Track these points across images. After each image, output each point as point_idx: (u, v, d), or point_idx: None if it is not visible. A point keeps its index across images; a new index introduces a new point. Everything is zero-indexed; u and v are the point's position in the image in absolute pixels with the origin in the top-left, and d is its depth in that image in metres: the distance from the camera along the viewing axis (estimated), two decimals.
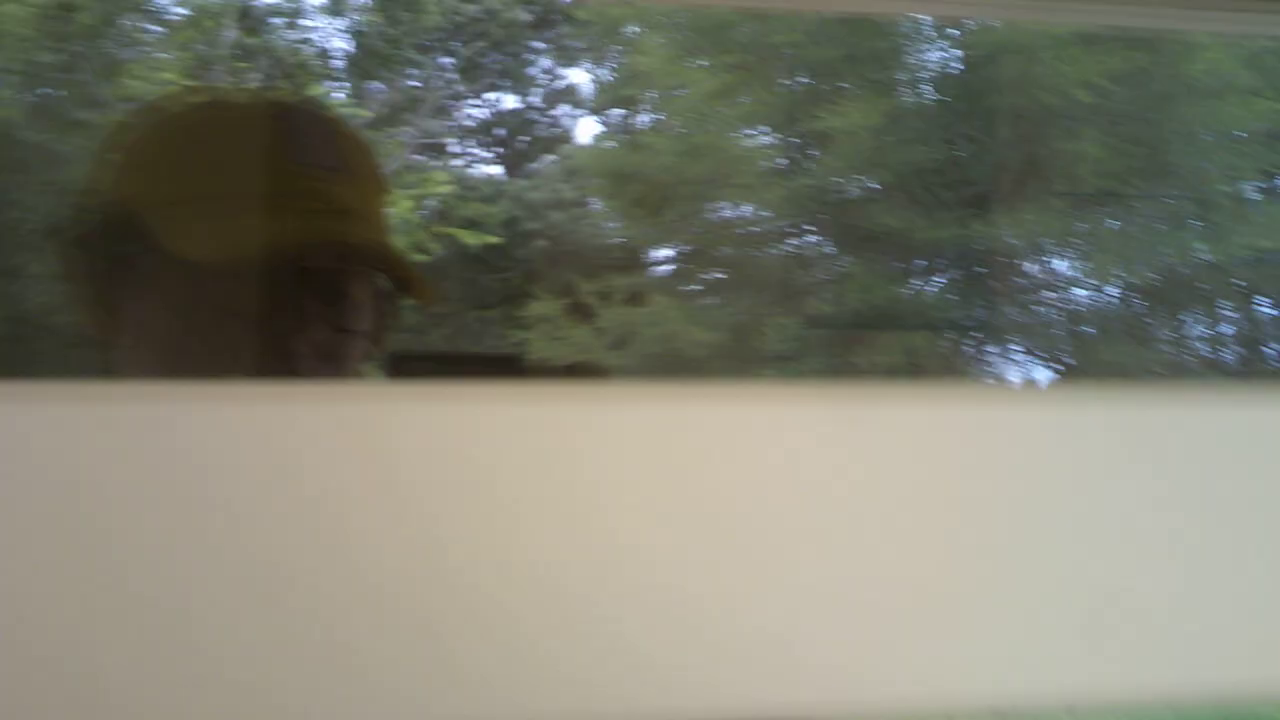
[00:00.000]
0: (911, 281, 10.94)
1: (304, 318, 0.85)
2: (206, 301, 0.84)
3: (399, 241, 0.97)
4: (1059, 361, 10.02)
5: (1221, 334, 10.00)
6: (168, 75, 10.64)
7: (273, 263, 0.83)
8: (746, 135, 11.96)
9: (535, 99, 13.21)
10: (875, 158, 10.89)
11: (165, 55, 11.25)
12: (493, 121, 13.03)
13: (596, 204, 12.39)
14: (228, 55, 11.30)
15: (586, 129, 14.18)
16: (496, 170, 12.92)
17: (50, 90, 10.52)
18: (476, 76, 12.81)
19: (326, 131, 0.90)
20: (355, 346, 0.89)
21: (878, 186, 11.09)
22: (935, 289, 10.90)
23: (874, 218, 10.44)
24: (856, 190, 11.28)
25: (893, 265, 10.89)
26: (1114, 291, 10.26)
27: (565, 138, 13.09)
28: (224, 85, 10.00)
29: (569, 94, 13.23)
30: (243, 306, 0.83)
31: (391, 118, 12.32)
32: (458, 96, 12.84)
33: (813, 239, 11.44)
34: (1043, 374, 10.00)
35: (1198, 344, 10.10)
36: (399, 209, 10.80)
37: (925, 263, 11.05)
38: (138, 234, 0.84)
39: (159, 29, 11.56)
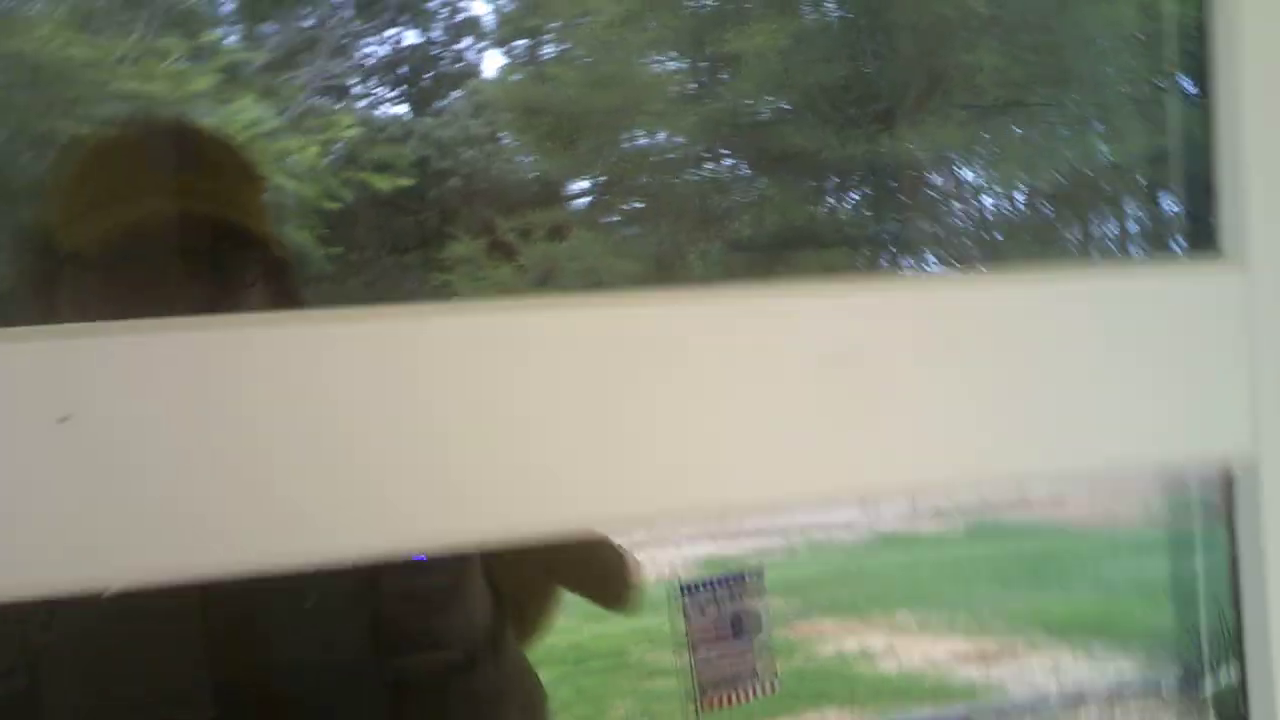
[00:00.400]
0: (826, 199, 11.11)
1: (188, 285, 0.98)
2: (119, 282, 0.99)
3: (268, 219, 1.08)
4: (972, 268, 10.32)
5: (1128, 232, 10.39)
6: (42, 30, 10.19)
7: (155, 246, 0.98)
8: (654, 62, 11.90)
9: (437, 33, 12.94)
10: (784, 78, 10.96)
11: (36, 9, 10.74)
12: (395, 59, 12.73)
13: (508, 139, 12.26)
14: (107, 7, 10.84)
15: (492, 62, 13.95)
16: (403, 110, 12.67)
17: None
18: (374, 13, 12.47)
19: (190, 141, 1.10)
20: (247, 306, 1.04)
21: (788, 107, 11.18)
22: (850, 205, 11.10)
23: (786, 138, 10.54)
24: (767, 112, 11.35)
25: (807, 184, 11.03)
26: (1021, 198, 10.57)
27: (471, 72, 12.86)
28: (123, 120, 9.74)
29: (471, 27, 12.98)
30: (142, 284, 0.98)
31: (288, 60, 11.95)
32: (356, 35, 12.50)
33: (728, 163, 11.51)
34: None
35: (1107, 244, 10.48)
36: (304, 156, 10.55)
37: (838, 180, 11.21)
38: (54, 248, 1.02)
39: None
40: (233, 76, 10.98)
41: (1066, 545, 7.30)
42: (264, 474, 0.41)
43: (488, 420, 0.44)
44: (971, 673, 5.30)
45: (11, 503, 0.39)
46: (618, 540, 1.20)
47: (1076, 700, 4.88)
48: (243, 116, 10.76)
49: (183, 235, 0.98)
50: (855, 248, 10.53)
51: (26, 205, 9.71)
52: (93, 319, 0.97)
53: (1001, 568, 7.02)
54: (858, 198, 11.09)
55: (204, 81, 10.62)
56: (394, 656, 1.00)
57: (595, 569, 1.18)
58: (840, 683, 5.19)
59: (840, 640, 5.80)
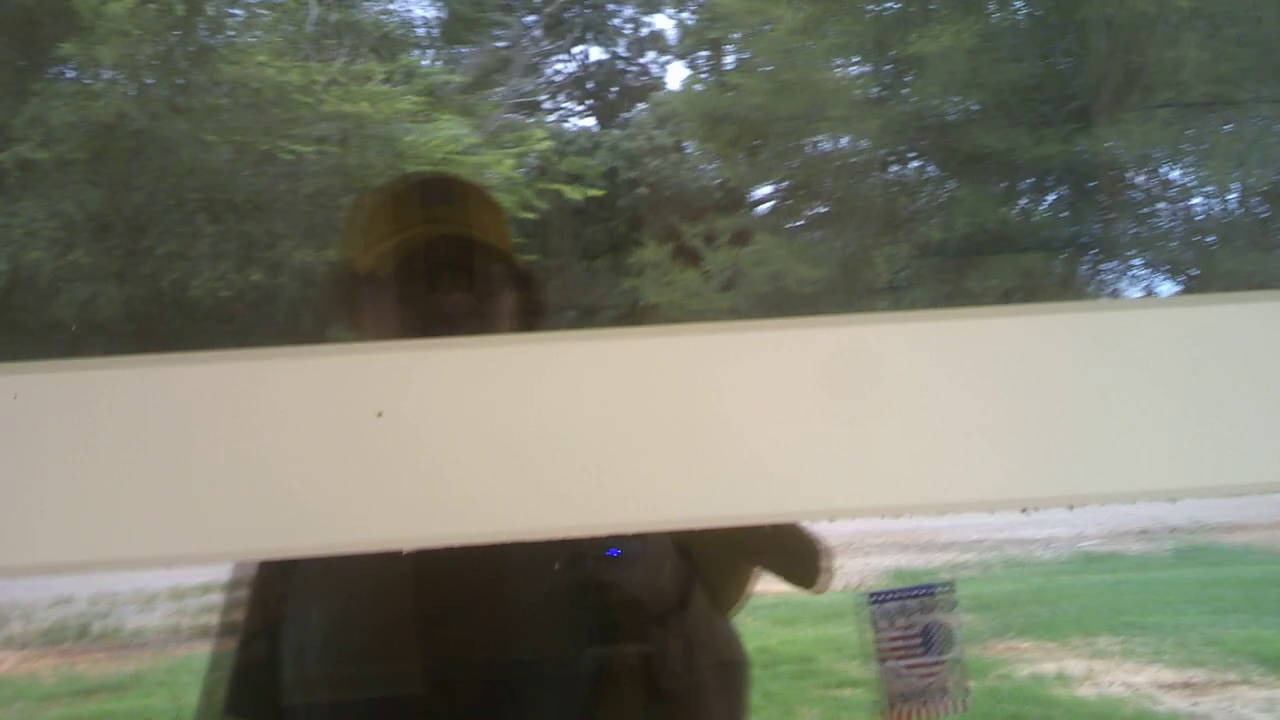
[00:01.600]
0: (1020, 201, 10.77)
1: (443, 293, 1.24)
2: (402, 289, 1.25)
3: (509, 239, 1.30)
4: (1182, 273, 9.83)
5: None
6: (260, 58, 10.92)
7: (418, 265, 1.23)
8: (837, 67, 11.80)
9: (621, 49, 13.22)
10: (972, 78, 10.68)
11: (253, 38, 11.50)
12: (582, 75, 13.08)
13: (692, 148, 12.40)
14: (313, 34, 11.50)
15: (675, 74, 14.14)
16: (590, 123, 12.99)
17: (153, 80, 10.85)
18: (562, 32, 12.84)
19: (444, 181, 1.36)
20: (492, 319, 1.26)
21: (977, 107, 10.89)
22: (1045, 207, 10.72)
23: (976, 139, 10.27)
24: (955, 113, 11.09)
25: (999, 186, 10.72)
26: (1233, 198, 9.98)
27: (655, 85, 13.08)
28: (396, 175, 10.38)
29: (654, 41, 13.20)
30: (418, 291, 1.24)
31: (483, 80, 12.44)
32: (545, 54, 12.91)
33: (914, 165, 11.32)
34: (1166, 287, 9.81)
35: None
36: (500, 169, 10.97)
37: (1033, 181, 10.85)
38: (354, 271, 1.30)
39: (243, 14, 11.80)
40: (432, 96, 11.52)
41: None
42: (520, 458, 0.53)
43: (718, 420, 0.55)
44: (1176, 703, 5.08)
45: (341, 478, 0.52)
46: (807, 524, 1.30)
47: None
48: (443, 134, 11.27)
49: (444, 251, 1.23)
50: (1053, 251, 10.18)
51: (249, 219, 10.51)
52: (383, 320, 1.25)
53: (1213, 593, 6.66)
54: (1054, 199, 10.70)
55: (406, 102, 11.18)
56: (590, 610, 1.12)
57: (789, 548, 1.27)
58: (1035, 706, 5.05)
59: (1037, 662, 5.65)
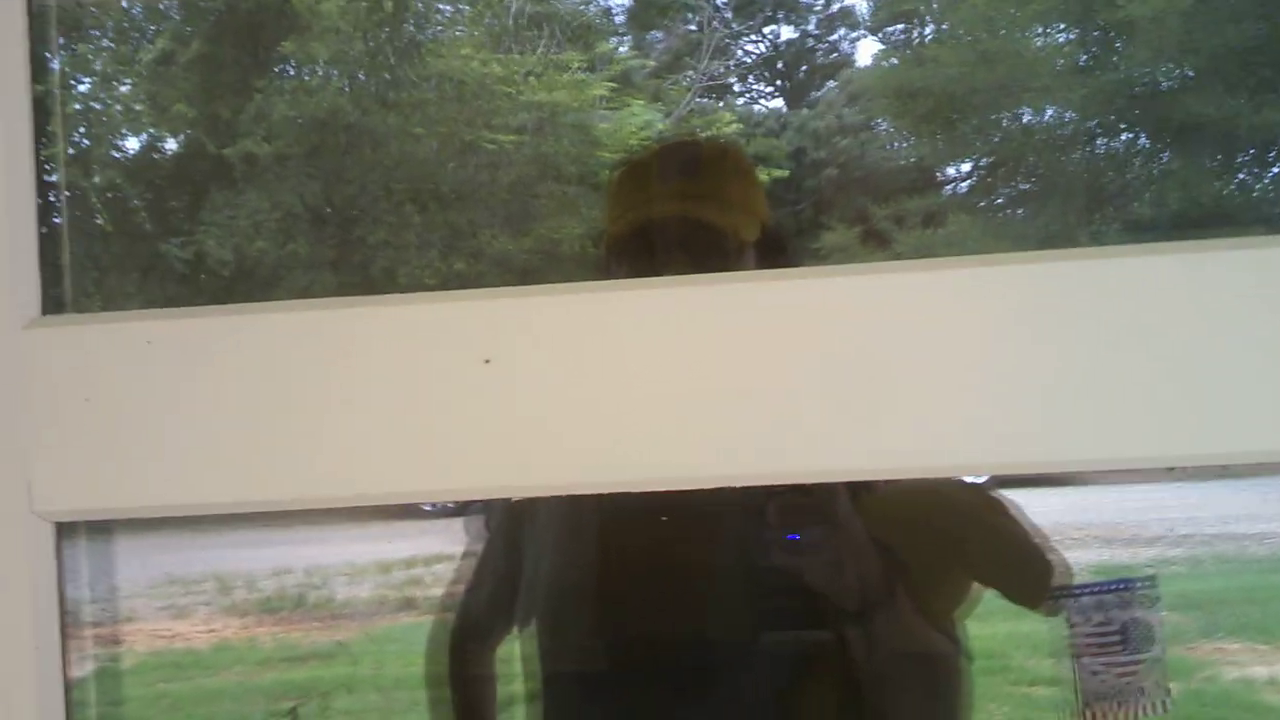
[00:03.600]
0: (1239, 174, 10.08)
1: (676, 266, 1.23)
2: (633, 265, 1.26)
3: (751, 205, 1.25)
4: None
5: None
6: (464, 50, 11.35)
7: (648, 238, 1.24)
8: (1040, 34, 11.30)
9: (811, 26, 13.07)
10: (1186, 42, 10.03)
11: (458, 32, 11.95)
12: (771, 55, 13.01)
13: (883, 125, 12.14)
14: (515, 26, 11.85)
15: (866, 50, 13.88)
16: (779, 104, 12.92)
17: (364, 75, 11.46)
18: (751, 12, 12.80)
19: (685, 152, 1.37)
20: None
21: (1191, 74, 10.22)
22: (1268, 181, 9.99)
23: (1190, 108, 9.65)
24: (1168, 81, 10.44)
25: (1216, 158, 10.05)
26: None
27: (845, 62, 12.88)
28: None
29: (845, 17, 12.99)
30: (646, 267, 1.23)
31: (674, 64, 12.54)
32: (735, 35, 12.90)
33: (1124, 138, 10.74)
34: None
35: None
36: None
37: (1253, 153, 10.13)
38: (612, 244, 1.29)
39: (449, 8, 12.28)
40: (625, 82, 11.70)
41: None
42: (627, 410, 0.52)
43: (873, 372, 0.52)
44: None
45: (448, 423, 0.53)
46: (1043, 536, 1.24)
47: None
48: (635, 120, 11.46)
49: (670, 234, 1.23)
50: (1275, 228, 9.48)
51: (453, 209, 10.99)
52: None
53: None
54: (1277, 172, 9.96)
55: (601, 88, 11.43)
56: (788, 603, 1.14)
57: (1013, 562, 1.23)
58: (1242, 712, 4.79)
59: (1246, 665, 5.34)
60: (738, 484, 0.53)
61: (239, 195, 10.31)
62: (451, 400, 0.53)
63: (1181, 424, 0.51)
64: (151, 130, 11.30)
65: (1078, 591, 1.36)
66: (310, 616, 7.11)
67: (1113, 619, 1.39)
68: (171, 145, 11.53)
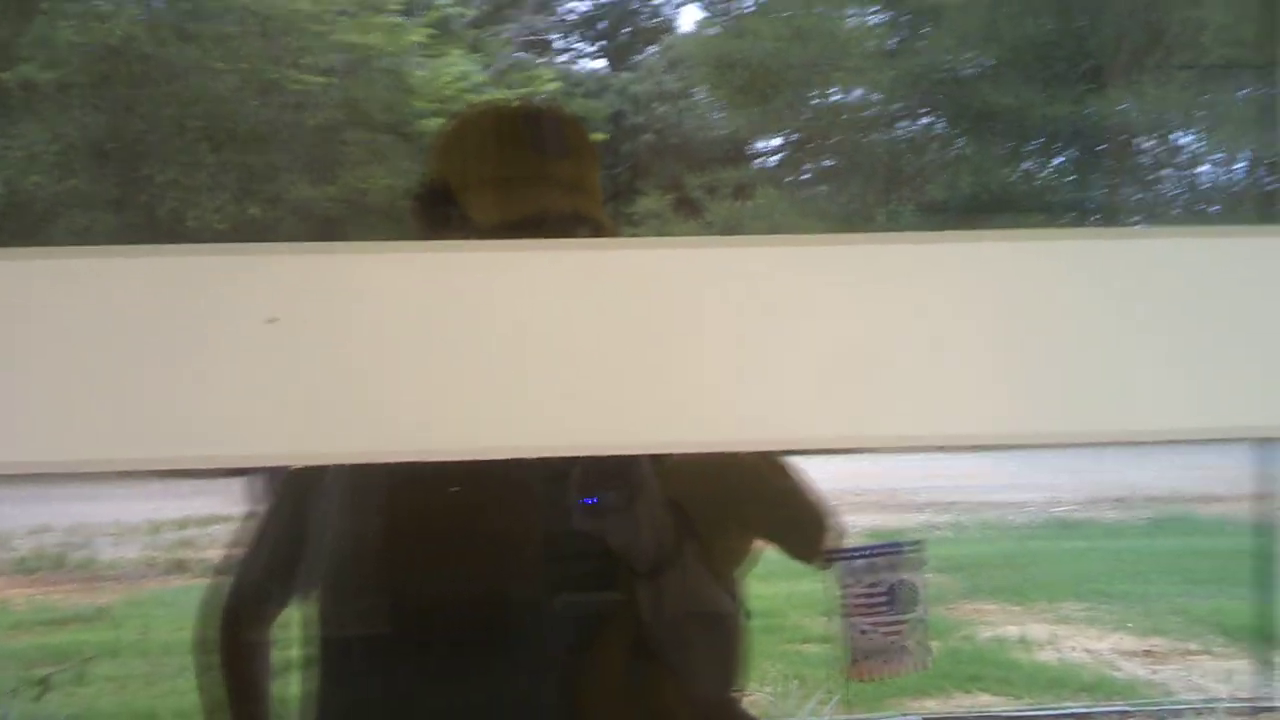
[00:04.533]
0: (1027, 162, 10.65)
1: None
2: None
3: (596, 201, 1.24)
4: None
5: None
6: None
7: (522, 224, 1.14)
8: (855, 15, 11.62)
9: None
10: (989, 32, 10.51)
11: None
12: (595, 14, 12.92)
13: (701, 94, 12.26)
14: None
15: (689, 17, 13.96)
16: (600, 64, 12.86)
17: (162, 3, 10.80)
18: None
19: (557, 125, 1.24)
20: None
21: (991, 63, 10.73)
22: (1053, 169, 10.60)
23: (987, 96, 10.13)
24: (969, 68, 10.93)
25: (1007, 145, 10.60)
26: (1242, 167, 9.83)
27: (667, 27, 12.92)
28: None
29: None
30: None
31: (494, 15, 12.31)
32: None
33: (924, 121, 11.18)
34: None
35: None
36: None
37: (1041, 141, 10.73)
38: (449, 201, 1.18)
39: None
40: (444, 31, 11.39)
41: (1263, 545, 6.91)
42: (432, 374, 0.50)
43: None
44: (1136, 670, 5.13)
45: (231, 387, 0.49)
46: (820, 496, 1.27)
47: (1250, 711, 4.67)
48: (452, 70, 11.18)
49: (545, 223, 1.14)
50: (1055, 215, 10.08)
51: (251, 151, 10.49)
52: None
53: (1184, 564, 6.69)
54: (1061, 161, 10.58)
55: (418, 35, 11.09)
56: (580, 565, 1.13)
57: (792, 522, 1.25)
58: (995, 668, 5.10)
59: (1001, 625, 5.69)
60: (528, 455, 0.51)
61: (14, 124, 9.55)
62: (233, 360, 0.50)
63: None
64: None
65: (851, 554, 1.39)
66: (71, 578, 6.73)
67: (881, 580, 1.43)
68: None
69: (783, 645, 5.37)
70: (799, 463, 1.26)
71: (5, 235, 8.98)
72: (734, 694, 1.26)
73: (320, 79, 10.47)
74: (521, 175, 1.18)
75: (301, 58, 10.54)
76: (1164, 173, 10.06)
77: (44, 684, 2.51)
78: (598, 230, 1.18)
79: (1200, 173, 9.95)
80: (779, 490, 1.23)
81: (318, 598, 1.20)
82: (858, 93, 11.36)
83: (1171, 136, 10.09)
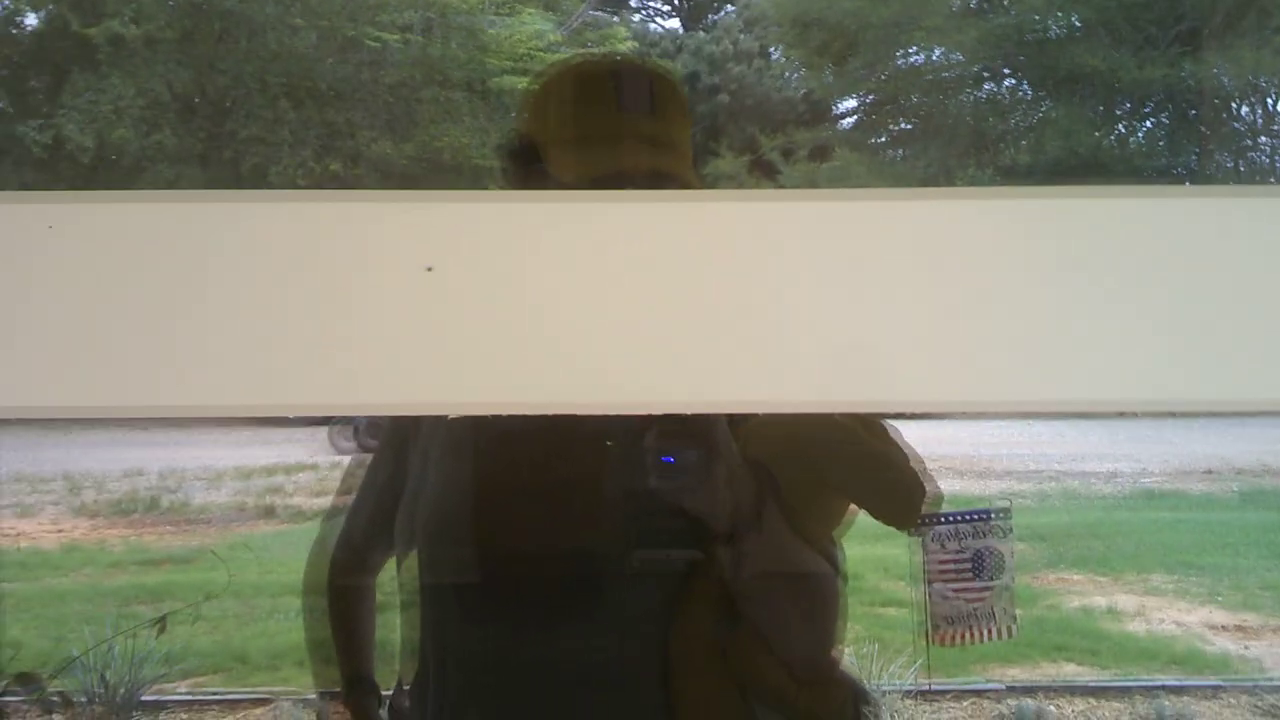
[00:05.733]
0: (1117, 126, 10.38)
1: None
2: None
3: (683, 158, 1.22)
4: None
5: None
6: None
7: (603, 182, 1.12)
8: None
9: None
10: None
11: None
12: None
13: (778, 54, 12.11)
14: None
15: None
16: (675, 24, 12.75)
17: None
18: None
19: (645, 82, 1.22)
20: None
21: (1080, 24, 10.44)
22: (1142, 135, 10.32)
23: (1076, 58, 9.87)
24: (1057, 29, 10.65)
25: (1096, 109, 10.33)
26: None
27: None
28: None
29: None
30: None
31: None
32: None
33: (1008, 83, 10.93)
34: None
35: None
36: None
37: (1131, 106, 10.44)
38: (534, 159, 1.16)
39: None
40: None
41: None
42: (569, 329, 0.49)
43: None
44: (1228, 645, 5.04)
45: (386, 334, 0.49)
46: (914, 462, 1.24)
47: None
48: (526, 28, 11.16)
49: (628, 179, 1.13)
50: (1145, 180, 9.83)
51: (331, 107, 10.56)
52: None
53: (1275, 538, 6.53)
54: (1152, 125, 10.29)
55: None
56: (660, 529, 1.12)
57: (884, 486, 1.23)
58: (1083, 638, 5.03)
59: (1088, 595, 5.61)
60: (683, 410, 0.51)
61: (102, 79, 9.71)
62: (388, 308, 0.49)
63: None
64: (9, 3, 10.55)
65: (937, 520, 1.37)
66: (164, 520, 6.90)
67: (967, 547, 1.40)
68: (32, 21, 10.80)
69: (863, 607, 5.35)
70: (894, 427, 1.23)
71: (97, 186, 9.12)
72: (829, 654, 1.25)
73: (397, 36, 10.51)
74: (604, 132, 1.16)
75: (378, 15, 10.59)
76: (1259, 139, 9.74)
77: (161, 623, 2.57)
78: (685, 188, 1.16)
79: None
80: (872, 454, 1.20)
81: (418, 550, 1.21)
82: (939, 53, 11.12)
83: (1267, 100, 9.76)
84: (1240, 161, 9.94)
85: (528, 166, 1.18)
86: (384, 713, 1.28)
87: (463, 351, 0.49)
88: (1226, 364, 0.50)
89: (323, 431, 8.21)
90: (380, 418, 1.37)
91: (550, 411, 0.50)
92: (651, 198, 0.54)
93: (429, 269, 0.49)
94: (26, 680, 2.02)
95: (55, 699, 2.18)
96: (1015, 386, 0.50)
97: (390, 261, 0.49)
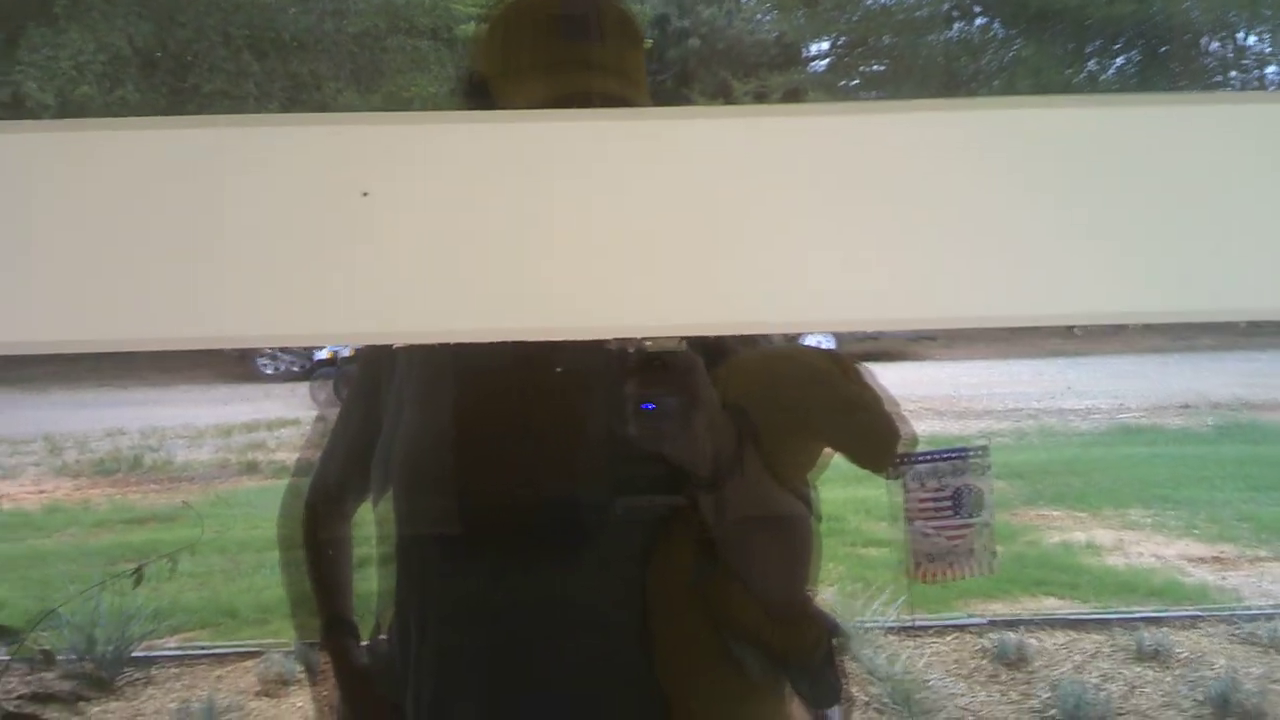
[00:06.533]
0: (1087, 65, 10.36)
1: None
2: None
3: (635, 83, 1.20)
4: None
5: None
6: None
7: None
8: None
9: None
10: None
11: None
12: None
13: None
14: None
15: None
16: None
17: None
18: None
19: (589, 8, 1.21)
20: None
21: None
22: (1113, 71, 10.31)
23: None
24: None
25: (1066, 47, 10.31)
26: None
27: None
28: None
29: None
30: None
31: None
32: None
33: (980, 22, 10.88)
34: None
35: None
36: None
37: (1102, 43, 10.42)
38: (485, 95, 1.18)
39: None
40: None
41: None
42: (514, 252, 0.48)
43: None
44: (1205, 576, 5.12)
45: (321, 263, 0.48)
46: (890, 406, 1.24)
47: None
48: None
49: (578, 100, 1.11)
50: None
51: (295, 58, 10.36)
52: None
53: (1251, 471, 6.62)
54: (1123, 63, 10.29)
55: None
56: (640, 474, 1.11)
57: (861, 430, 1.23)
58: (1062, 573, 5.10)
59: (1067, 531, 5.68)
60: (635, 334, 0.49)
61: (60, 34, 9.47)
62: (326, 235, 0.47)
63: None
64: None
65: (915, 459, 1.36)
66: (148, 479, 6.87)
67: (946, 485, 1.40)
68: None
69: (845, 548, 5.40)
70: (870, 371, 1.23)
71: None
72: (804, 595, 1.26)
73: None
74: (550, 61, 1.15)
75: None
76: (1230, 75, 9.76)
77: (138, 573, 2.56)
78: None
79: (1269, 73, 9.65)
80: (848, 398, 1.20)
81: (392, 494, 1.21)
82: None
83: (1237, 37, 9.77)
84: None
85: (479, 104, 1.19)
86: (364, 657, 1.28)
87: (403, 278, 0.48)
88: (1187, 274, 0.50)
89: (303, 387, 8.17)
90: (350, 368, 1.35)
91: (491, 339, 0.48)
92: (594, 116, 0.51)
93: (365, 194, 0.47)
94: (3, 634, 1.98)
95: (39, 657, 2.15)
96: (970, 300, 0.49)
97: (326, 186, 0.48)
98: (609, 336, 0.47)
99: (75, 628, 3.71)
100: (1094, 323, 0.52)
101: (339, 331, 0.50)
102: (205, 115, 0.48)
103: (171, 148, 0.48)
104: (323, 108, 10.20)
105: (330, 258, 0.47)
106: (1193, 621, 4.49)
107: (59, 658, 2.48)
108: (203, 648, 4.11)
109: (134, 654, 3.88)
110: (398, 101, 10.30)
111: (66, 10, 9.24)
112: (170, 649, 4.08)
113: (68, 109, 9.04)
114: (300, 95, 10.08)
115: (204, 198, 0.47)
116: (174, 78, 9.92)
